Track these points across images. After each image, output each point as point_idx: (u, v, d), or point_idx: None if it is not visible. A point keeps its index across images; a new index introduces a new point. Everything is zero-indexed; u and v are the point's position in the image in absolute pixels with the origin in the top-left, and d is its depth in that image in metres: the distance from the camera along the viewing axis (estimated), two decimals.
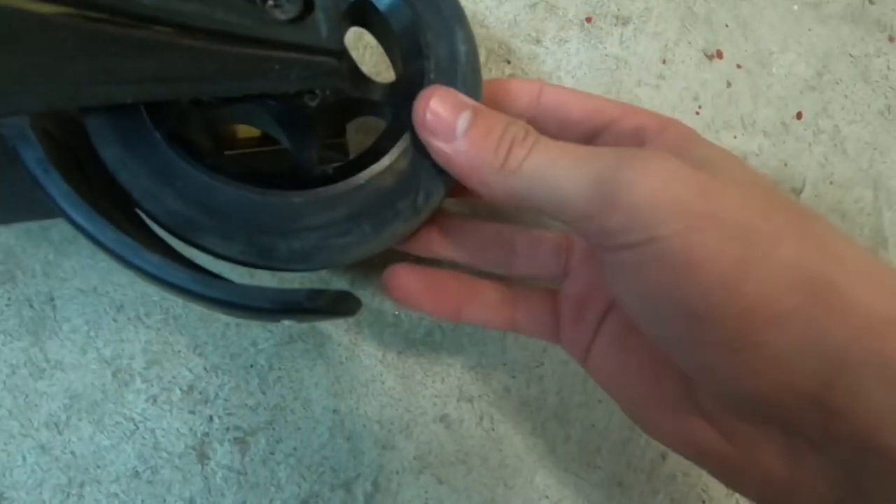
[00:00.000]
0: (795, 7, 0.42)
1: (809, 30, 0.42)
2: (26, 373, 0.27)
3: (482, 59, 0.36)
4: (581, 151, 0.20)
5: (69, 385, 0.28)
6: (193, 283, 0.17)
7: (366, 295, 0.31)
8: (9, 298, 0.28)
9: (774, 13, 0.42)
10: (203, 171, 0.19)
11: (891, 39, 0.43)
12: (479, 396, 0.31)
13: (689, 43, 0.40)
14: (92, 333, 0.28)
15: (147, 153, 0.19)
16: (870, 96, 0.42)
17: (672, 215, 0.18)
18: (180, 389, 0.29)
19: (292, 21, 0.19)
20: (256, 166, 0.23)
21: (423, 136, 0.21)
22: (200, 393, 0.29)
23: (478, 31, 0.37)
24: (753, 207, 0.18)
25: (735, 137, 0.39)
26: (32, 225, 0.28)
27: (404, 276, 0.25)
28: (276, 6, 0.19)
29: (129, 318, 0.29)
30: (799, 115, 0.40)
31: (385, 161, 0.20)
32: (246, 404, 0.29)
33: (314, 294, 0.18)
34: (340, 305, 0.19)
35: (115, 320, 0.29)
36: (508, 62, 0.37)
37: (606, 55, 0.38)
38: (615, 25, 0.39)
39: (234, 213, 0.19)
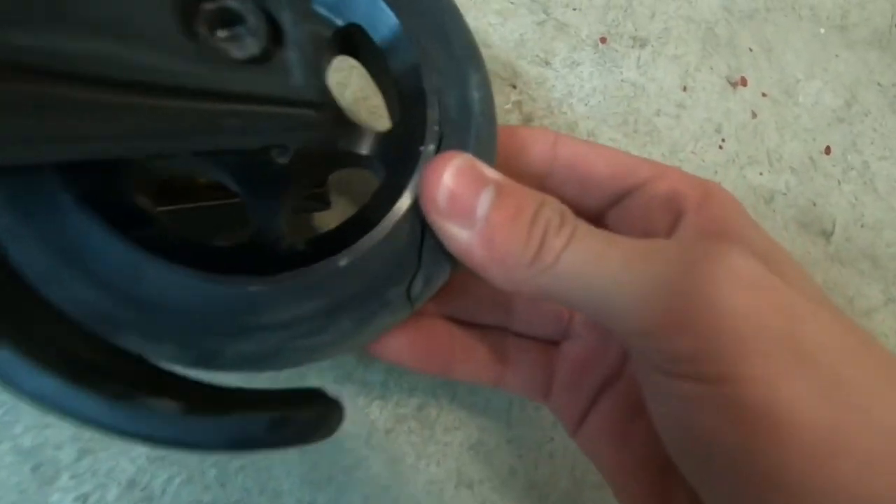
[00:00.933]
0: (822, 30, 0.39)
1: (836, 56, 0.38)
2: None
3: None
4: (636, 247, 0.15)
5: None
6: (95, 411, 0.12)
7: (348, 363, 0.26)
8: None
9: (799, 37, 0.38)
10: (127, 247, 0.14)
11: None
12: (481, 481, 0.27)
13: (711, 68, 0.35)
14: (8, 418, 0.23)
15: (48, 221, 0.14)
16: None
17: (760, 353, 0.13)
18: (118, 485, 0.23)
19: (253, 61, 0.13)
20: (205, 233, 0.18)
21: (432, 218, 0.16)
22: (143, 489, 0.23)
23: (481, 52, 0.32)
24: (844, 346, 0.14)
25: (761, 174, 0.35)
26: None
27: (397, 335, 0.20)
28: (230, 40, 0.13)
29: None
30: (827, 150, 0.36)
31: (374, 235, 0.15)
32: (200, 501, 0.24)
33: (279, 420, 0.13)
34: (316, 428, 0.14)
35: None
36: (514, 87, 0.32)
37: (623, 80, 0.33)
38: (632, 47, 0.34)
39: (167, 306, 0.13)
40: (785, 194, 0.34)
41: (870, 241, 0.35)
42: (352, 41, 0.17)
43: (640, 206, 0.19)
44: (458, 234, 0.16)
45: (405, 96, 0.17)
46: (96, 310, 0.13)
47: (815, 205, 0.34)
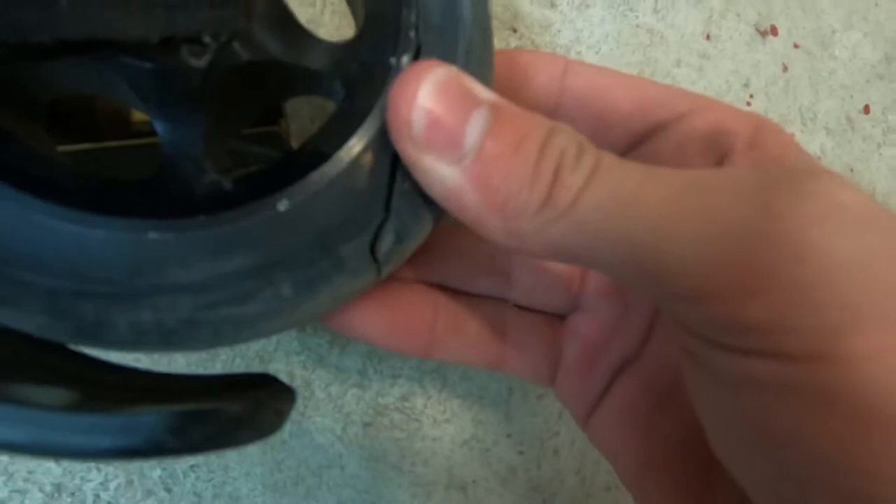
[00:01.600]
0: None
1: (876, 4, 0.34)
2: None
3: None
4: (685, 179, 0.11)
5: None
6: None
7: (321, 345, 0.23)
8: None
9: None
10: (16, 193, 0.10)
11: None
12: (475, 482, 0.23)
13: (738, 15, 0.31)
14: None
15: None
16: None
17: (878, 321, 0.09)
18: (42, 491, 0.20)
19: None
20: (108, 171, 0.14)
21: (404, 149, 0.12)
22: (72, 495, 0.20)
23: None
24: None
25: (794, 135, 0.31)
26: None
27: (363, 304, 0.16)
28: None
29: None
30: (866, 109, 0.32)
31: (326, 172, 0.11)
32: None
33: (190, 418, 0.10)
34: (240, 427, 0.11)
35: None
36: (514, 30, 0.28)
37: (638, 26, 0.29)
38: None
39: (29, 259, 0.09)
40: (820, 158, 0.30)
41: None
42: None
43: (673, 147, 0.15)
44: (441, 172, 0.12)
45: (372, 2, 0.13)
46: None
47: (852, 171, 0.30)
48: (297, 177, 0.11)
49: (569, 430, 0.24)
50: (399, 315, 0.16)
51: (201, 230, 0.10)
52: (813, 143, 0.30)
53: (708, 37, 0.29)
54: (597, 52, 0.27)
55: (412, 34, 0.12)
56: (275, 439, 0.21)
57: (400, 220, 0.12)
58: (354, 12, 0.15)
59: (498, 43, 0.26)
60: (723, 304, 0.10)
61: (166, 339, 0.10)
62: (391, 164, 0.12)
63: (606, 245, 0.11)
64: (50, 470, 0.19)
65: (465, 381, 0.23)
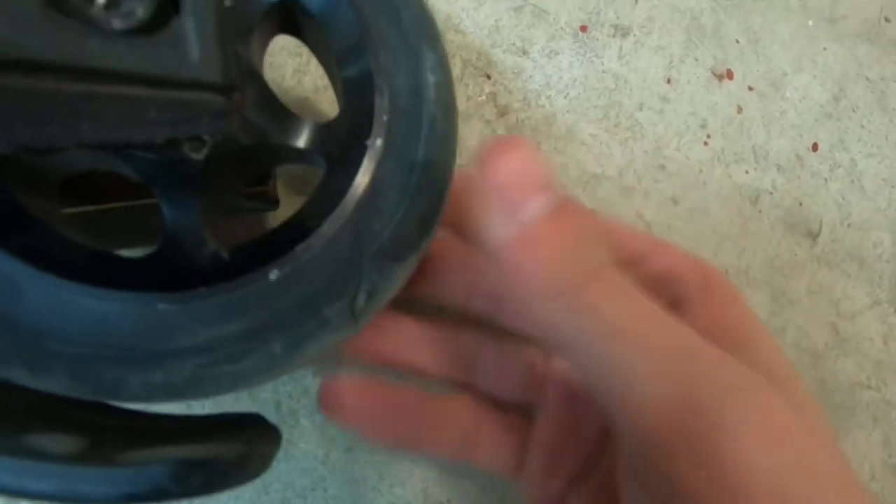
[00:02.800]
0: (810, 23, 0.37)
1: (824, 49, 0.37)
2: None
3: (456, 71, 0.30)
4: (673, 333, 0.13)
5: None
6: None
7: (305, 375, 0.24)
8: None
9: (787, 28, 0.36)
10: (27, 267, 0.12)
11: None
12: (450, 500, 0.25)
13: (696, 60, 0.34)
14: None
15: None
16: (887, 126, 0.37)
17: None
18: None
19: (137, 31, 0.11)
20: (119, 240, 0.15)
21: (475, 197, 0.14)
22: None
23: (453, 38, 0.30)
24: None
25: (747, 172, 0.33)
26: None
27: (349, 393, 0.18)
28: (110, 7, 0.10)
29: None
30: (815, 147, 0.35)
31: (312, 243, 0.13)
32: None
33: (187, 468, 0.11)
34: (237, 470, 0.12)
35: None
36: (488, 77, 0.30)
37: (604, 71, 0.32)
38: (613, 37, 0.32)
39: (55, 330, 0.11)
40: (771, 193, 0.32)
41: (857, 242, 0.33)
42: (292, 17, 0.15)
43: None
44: (498, 226, 0.14)
45: (349, 80, 0.15)
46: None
47: (801, 204, 0.33)
48: (286, 249, 0.13)
49: None
50: (384, 406, 0.18)
51: (203, 300, 0.12)
52: (765, 180, 0.32)
53: (668, 81, 0.32)
54: (565, 97, 0.30)
55: (384, 118, 0.14)
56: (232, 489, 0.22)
57: (371, 279, 0.14)
58: (336, 92, 0.17)
59: (473, 89, 0.28)
60: (660, 455, 0.12)
61: (172, 394, 0.12)
62: (361, 232, 0.14)
63: (601, 352, 0.13)
64: None
65: None
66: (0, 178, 0.12)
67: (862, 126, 0.35)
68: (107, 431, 0.12)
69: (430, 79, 0.15)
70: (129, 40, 0.10)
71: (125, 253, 0.14)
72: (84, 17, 0.10)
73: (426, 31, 0.15)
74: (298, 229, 0.13)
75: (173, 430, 0.12)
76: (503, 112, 0.28)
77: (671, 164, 0.31)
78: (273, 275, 0.12)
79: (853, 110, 0.35)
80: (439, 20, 0.28)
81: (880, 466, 0.31)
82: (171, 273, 0.12)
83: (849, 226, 0.33)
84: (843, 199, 0.34)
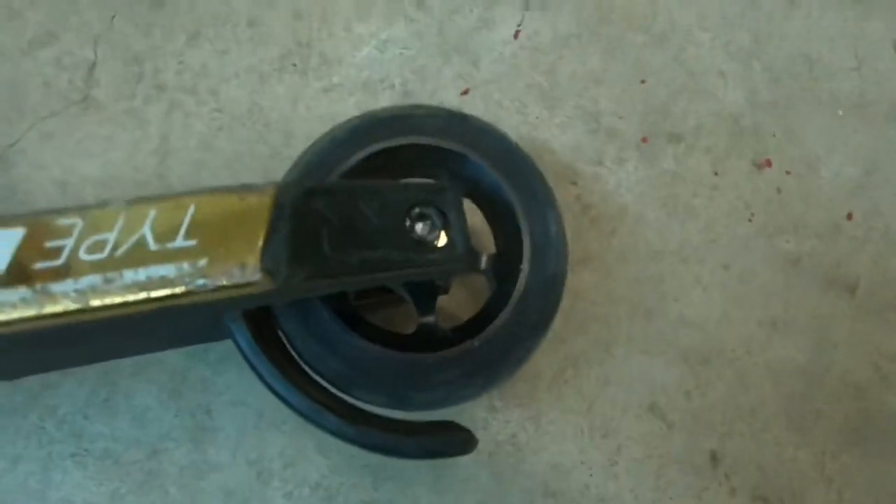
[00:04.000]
0: (840, 112, 0.45)
1: (855, 131, 0.44)
2: (190, 473, 0.33)
3: (551, 182, 0.41)
4: None
5: (224, 484, 0.33)
6: (359, 436, 0.22)
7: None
8: (177, 410, 0.34)
9: (820, 119, 0.44)
10: (356, 338, 0.24)
11: None
12: (562, 493, 0.35)
13: (739, 155, 0.43)
14: (240, 439, 0.34)
15: (313, 321, 0.24)
16: None
17: None
18: (309, 487, 0.34)
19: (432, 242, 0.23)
20: (392, 328, 0.28)
21: None
22: (325, 489, 0.33)
23: (545, 157, 0.41)
24: None
25: (788, 241, 0.41)
26: (196, 347, 0.34)
27: None
28: (427, 232, 0.23)
29: (268, 425, 0.34)
30: (849, 216, 0.42)
31: (496, 325, 0.25)
32: (362, 500, 0.34)
33: (446, 444, 0.23)
34: (466, 445, 0.24)
35: (257, 427, 0.34)
36: (574, 183, 0.41)
37: (663, 171, 0.41)
38: (669, 143, 0.42)
39: (380, 372, 0.24)
40: (811, 257, 0.40)
41: (895, 294, 0.40)
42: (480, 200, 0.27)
43: None
44: None
45: (506, 227, 0.26)
46: (341, 375, 0.24)
47: (839, 265, 0.40)
48: (482, 329, 0.24)
49: (623, 461, 0.35)
50: None
51: (446, 356, 0.24)
52: (804, 246, 0.40)
53: (716, 173, 0.41)
54: (633, 193, 0.40)
55: (529, 252, 0.26)
56: (436, 462, 0.34)
57: (526, 346, 0.25)
58: (495, 234, 0.29)
59: (561, 192, 0.40)
60: None
61: (432, 405, 0.24)
62: (521, 317, 0.25)
63: None
64: (313, 476, 0.33)
65: (550, 424, 0.35)
66: (347, 297, 0.25)
67: (895, 195, 0.42)
68: (400, 427, 0.24)
69: (553, 229, 0.26)
70: (435, 248, 0.23)
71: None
72: (414, 236, 0.22)
73: (548, 197, 0.27)
74: (487, 317, 0.25)
75: (424, 426, 0.24)
76: (587, 208, 0.39)
77: (721, 238, 0.40)
78: (476, 343, 0.24)
79: (886, 181, 0.42)
80: (536, 146, 0.40)
81: None
82: (425, 342, 0.24)
83: (887, 280, 0.40)
84: (880, 257, 0.41)
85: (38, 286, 0.16)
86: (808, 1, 0.45)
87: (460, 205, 0.24)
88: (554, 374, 0.35)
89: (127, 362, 0.32)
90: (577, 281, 0.37)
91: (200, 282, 0.18)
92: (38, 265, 0.16)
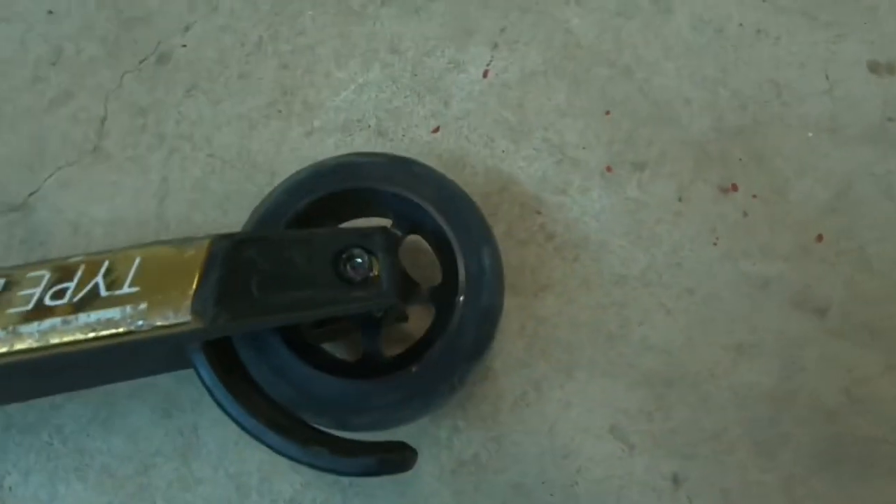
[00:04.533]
0: (810, 134, 0.45)
1: (826, 155, 0.45)
2: (177, 487, 0.36)
3: (516, 211, 0.43)
4: None
5: (207, 496, 0.36)
6: (302, 455, 0.24)
7: (423, 423, 0.38)
8: (166, 430, 0.37)
9: (789, 143, 0.44)
10: (303, 366, 0.27)
11: None
12: None
13: (705, 180, 0.43)
14: (222, 455, 0.37)
15: (268, 353, 0.27)
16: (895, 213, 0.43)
17: None
18: (284, 501, 0.36)
19: (364, 280, 0.26)
20: (336, 357, 0.31)
21: None
22: None
23: (512, 188, 0.43)
24: None
25: (754, 265, 0.42)
26: (187, 371, 0.38)
27: None
28: (353, 268, 0.26)
29: (248, 443, 0.37)
30: (820, 238, 0.42)
31: (433, 352, 0.27)
32: None
33: (382, 463, 0.25)
34: (405, 463, 0.26)
35: (237, 444, 0.37)
36: (539, 213, 0.43)
37: (627, 198, 0.43)
38: (633, 171, 0.44)
39: (324, 396, 0.27)
40: (779, 280, 0.40)
41: (868, 315, 0.40)
42: (417, 229, 0.30)
43: None
44: None
45: (446, 262, 0.29)
46: (292, 400, 0.26)
47: (809, 287, 0.40)
48: (420, 356, 0.27)
49: (584, 481, 0.36)
50: None
51: (383, 382, 0.26)
52: (771, 269, 0.41)
53: (680, 199, 0.42)
54: (597, 220, 0.42)
55: (464, 284, 0.28)
56: (401, 479, 0.36)
57: (462, 370, 0.27)
58: (441, 266, 0.31)
59: (525, 222, 0.42)
60: None
61: (370, 427, 0.26)
62: (456, 345, 0.28)
63: None
64: (287, 491, 0.36)
65: (513, 444, 0.36)
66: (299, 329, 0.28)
67: (867, 216, 0.42)
68: (345, 446, 0.26)
69: (487, 262, 0.28)
70: (361, 285, 0.25)
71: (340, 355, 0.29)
72: (343, 276, 0.25)
73: (484, 233, 0.29)
74: (426, 344, 0.27)
75: (368, 445, 0.27)
76: (550, 237, 0.41)
77: (686, 262, 0.41)
78: (414, 369, 0.27)
79: (859, 202, 0.42)
80: (501, 179, 0.43)
81: None
82: (368, 368, 0.27)
83: (859, 302, 0.40)
84: (852, 279, 0.41)
85: (11, 328, 0.19)
86: (775, 28, 0.46)
87: (391, 246, 0.27)
88: (516, 397, 0.37)
89: (124, 385, 0.36)
90: (540, 306, 0.39)
91: (140, 322, 0.21)
92: (11, 311, 0.20)
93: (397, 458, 0.25)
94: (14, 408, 0.36)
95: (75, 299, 0.21)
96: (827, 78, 0.45)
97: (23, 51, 0.45)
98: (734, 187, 0.42)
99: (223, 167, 0.42)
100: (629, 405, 0.38)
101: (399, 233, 0.29)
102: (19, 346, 0.20)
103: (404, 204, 0.29)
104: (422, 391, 0.27)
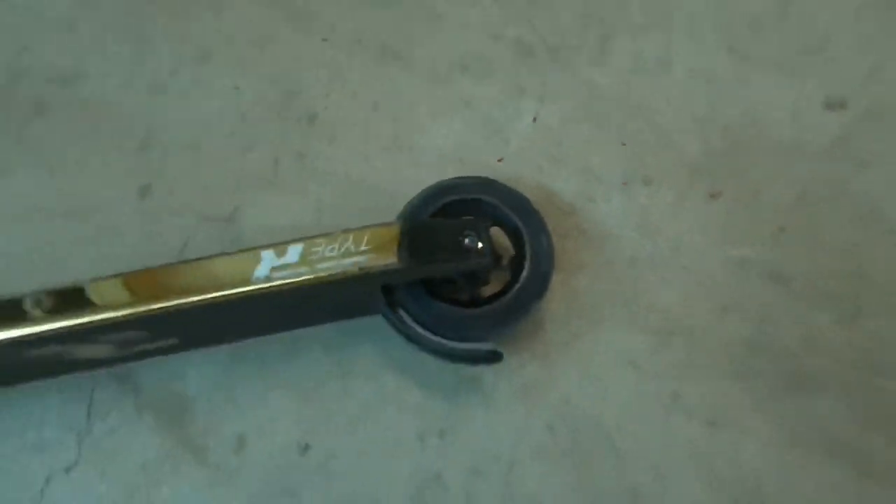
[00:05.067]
0: (777, 154, 0.61)
1: (790, 167, 0.60)
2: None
3: (558, 214, 0.60)
4: None
5: None
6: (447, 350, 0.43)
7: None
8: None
9: (761, 160, 0.60)
10: (437, 302, 0.46)
11: None
12: (570, 417, 0.53)
13: (696, 189, 0.59)
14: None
15: (418, 297, 0.47)
16: None
17: None
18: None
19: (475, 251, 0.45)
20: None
21: None
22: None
23: (554, 198, 0.60)
24: None
25: (735, 249, 0.57)
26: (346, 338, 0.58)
27: None
28: (469, 243, 0.45)
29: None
30: (784, 229, 0.57)
31: (509, 296, 0.47)
32: None
33: (487, 354, 0.44)
34: (495, 358, 0.44)
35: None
36: (574, 214, 0.59)
37: (638, 204, 0.59)
38: (643, 185, 0.60)
39: (451, 320, 0.46)
40: (754, 259, 0.56)
41: (822, 283, 0.54)
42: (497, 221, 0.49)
43: None
44: None
45: (517, 246, 0.47)
46: (429, 323, 0.45)
47: (777, 263, 0.55)
48: (504, 294, 0.46)
49: None
50: None
51: (482, 310, 0.45)
52: (749, 251, 0.56)
53: (678, 203, 0.58)
54: (616, 219, 0.59)
55: (529, 258, 0.46)
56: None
57: (529, 308, 0.46)
58: (513, 248, 0.50)
59: (565, 221, 0.59)
60: None
61: (476, 339, 0.45)
62: (525, 291, 0.46)
63: None
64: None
65: None
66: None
67: (823, 213, 0.57)
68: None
69: (544, 243, 0.46)
70: (473, 254, 0.45)
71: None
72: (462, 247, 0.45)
73: (541, 225, 0.48)
74: (506, 293, 0.46)
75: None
76: (583, 232, 0.58)
77: (682, 248, 0.57)
78: (498, 305, 0.45)
79: (817, 202, 0.57)
80: (547, 192, 0.60)
81: None
82: (474, 304, 0.46)
83: (816, 274, 0.55)
84: (811, 258, 0.55)
85: (313, 265, 0.40)
86: (751, 75, 0.62)
87: (487, 230, 0.46)
88: (559, 342, 0.54)
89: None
90: (576, 280, 0.56)
91: (372, 263, 0.42)
92: (313, 256, 0.41)
93: (493, 355, 0.43)
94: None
95: (341, 251, 0.41)
96: (793, 113, 0.61)
97: (219, 115, 0.68)
98: (719, 193, 0.58)
99: (358, 189, 0.63)
100: (641, 347, 0.54)
101: (490, 224, 0.48)
102: (316, 270, 0.41)
103: (493, 207, 0.49)
104: (505, 317, 0.46)
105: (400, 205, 0.54)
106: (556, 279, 0.54)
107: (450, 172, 0.61)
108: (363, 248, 0.41)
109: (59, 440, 0.53)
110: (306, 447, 0.52)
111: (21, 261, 0.60)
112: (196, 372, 0.55)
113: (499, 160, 0.62)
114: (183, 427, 0.53)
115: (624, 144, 0.61)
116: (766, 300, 0.55)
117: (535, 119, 0.63)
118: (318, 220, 0.62)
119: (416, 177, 0.62)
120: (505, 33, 0.66)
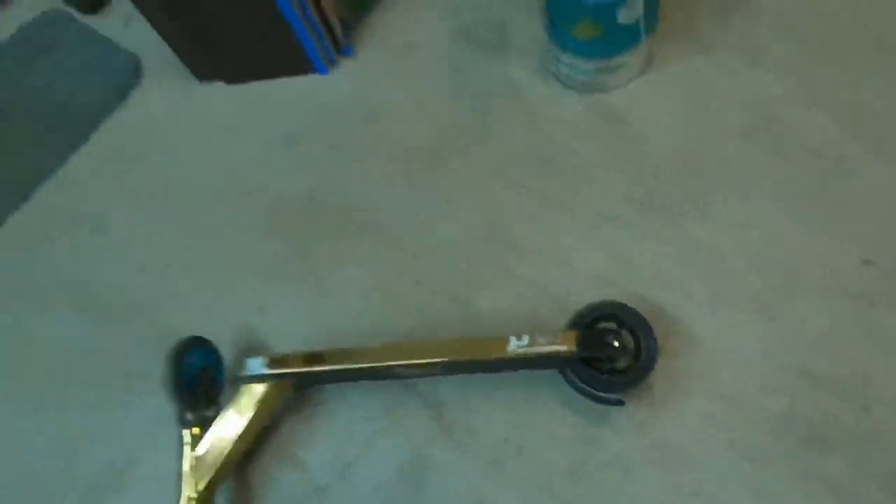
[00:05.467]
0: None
1: (772, 319, 0.96)
2: None
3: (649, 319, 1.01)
4: None
5: None
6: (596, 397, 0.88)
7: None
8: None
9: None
10: (592, 370, 0.89)
11: None
12: None
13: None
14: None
15: (580, 366, 0.90)
16: None
17: None
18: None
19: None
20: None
21: None
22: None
23: (643, 306, 1.01)
24: None
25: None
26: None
27: None
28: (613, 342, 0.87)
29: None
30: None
31: (632, 370, 0.88)
32: None
33: (617, 400, 0.87)
34: (621, 403, 0.87)
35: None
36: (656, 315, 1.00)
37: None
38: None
39: (596, 380, 0.88)
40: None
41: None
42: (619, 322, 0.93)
43: None
44: None
45: (636, 342, 0.91)
46: (584, 388, 0.90)
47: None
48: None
49: None
50: None
51: (619, 379, 0.87)
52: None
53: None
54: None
55: (643, 359, 0.89)
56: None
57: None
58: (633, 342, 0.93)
59: (647, 307, 1.00)
60: None
61: (619, 393, 0.89)
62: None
63: None
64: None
65: None
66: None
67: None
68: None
69: (651, 344, 0.89)
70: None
71: None
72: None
73: (649, 330, 0.90)
74: (630, 366, 0.90)
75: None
76: (677, 334, 0.98)
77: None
78: (627, 377, 0.89)
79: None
80: (653, 309, 1.01)
81: None
82: (616, 374, 0.89)
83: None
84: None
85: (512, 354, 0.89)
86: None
87: (620, 334, 0.83)
88: (661, 395, 0.94)
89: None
90: (669, 364, 0.96)
91: (560, 350, 0.85)
92: (510, 347, 0.90)
93: (620, 401, 0.85)
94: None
95: (529, 345, 0.89)
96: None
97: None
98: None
99: (543, 295, 1.08)
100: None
101: (622, 330, 0.84)
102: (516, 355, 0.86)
103: (622, 320, 0.90)
104: (629, 382, 0.82)
105: (569, 310, 0.98)
106: (659, 363, 0.94)
107: (597, 290, 1.05)
108: (557, 340, 0.89)
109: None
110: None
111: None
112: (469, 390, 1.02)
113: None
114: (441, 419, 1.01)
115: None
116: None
117: (652, 259, 1.05)
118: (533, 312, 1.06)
119: (576, 290, 1.06)
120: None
